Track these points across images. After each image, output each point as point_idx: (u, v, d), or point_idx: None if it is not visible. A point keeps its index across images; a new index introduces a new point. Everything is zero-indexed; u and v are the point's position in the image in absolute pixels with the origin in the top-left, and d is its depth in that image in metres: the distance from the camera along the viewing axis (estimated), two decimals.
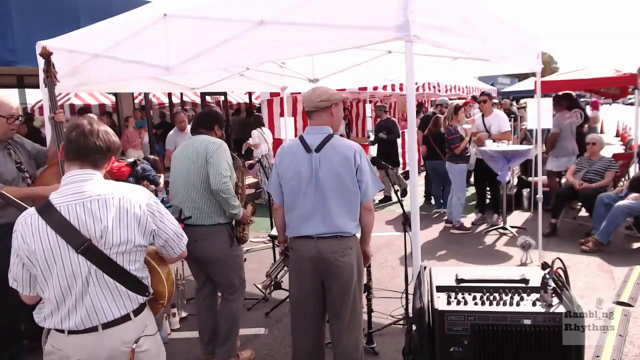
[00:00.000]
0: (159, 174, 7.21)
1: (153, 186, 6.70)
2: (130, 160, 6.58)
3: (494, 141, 6.66)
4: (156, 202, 1.98)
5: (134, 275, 1.89)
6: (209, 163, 3.16)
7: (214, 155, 3.17)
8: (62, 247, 1.78)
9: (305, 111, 2.81)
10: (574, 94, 7.95)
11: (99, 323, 1.83)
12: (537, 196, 4.95)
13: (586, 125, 7.96)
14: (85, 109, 10.09)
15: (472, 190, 7.85)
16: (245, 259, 3.62)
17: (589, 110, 14.23)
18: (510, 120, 7.20)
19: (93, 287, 1.82)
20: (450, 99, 11.13)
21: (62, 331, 1.84)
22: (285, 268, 3.78)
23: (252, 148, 8.62)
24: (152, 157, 7.72)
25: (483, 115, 6.99)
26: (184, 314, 4.33)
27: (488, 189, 7.59)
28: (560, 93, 8.10)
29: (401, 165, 10.35)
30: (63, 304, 1.82)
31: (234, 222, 3.40)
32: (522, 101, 13.16)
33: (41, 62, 3.40)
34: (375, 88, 9.53)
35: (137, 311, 1.91)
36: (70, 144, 1.89)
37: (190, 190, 3.22)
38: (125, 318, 1.87)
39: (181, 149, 3.37)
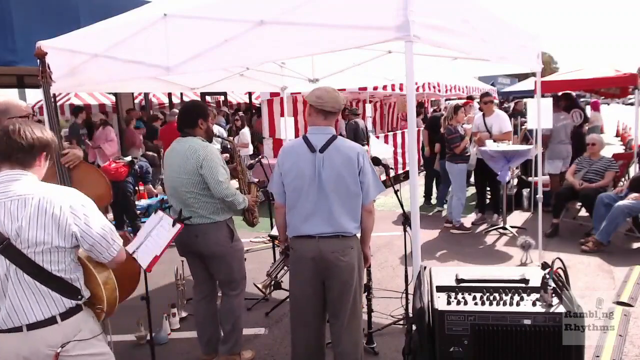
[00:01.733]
0: (160, 176, 7.19)
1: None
2: (128, 159, 6.56)
3: (494, 141, 6.66)
4: (83, 205, 1.93)
5: (57, 276, 1.87)
6: (203, 175, 3.14)
7: (204, 165, 3.13)
8: None
9: (323, 111, 2.73)
10: (574, 94, 7.94)
11: (22, 324, 1.83)
12: (537, 196, 4.95)
13: (586, 126, 7.95)
14: (81, 109, 10.04)
15: (472, 190, 7.85)
16: (245, 259, 3.61)
17: (589, 110, 14.23)
18: (511, 120, 7.21)
19: (12, 287, 1.82)
20: (449, 99, 11.13)
21: None
22: (286, 268, 3.78)
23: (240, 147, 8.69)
24: (150, 153, 7.69)
25: (484, 115, 6.99)
26: (184, 314, 4.33)
27: (488, 189, 7.59)
28: (560, 93, 8.10)
29: (401, 165, 10.38)
30: None
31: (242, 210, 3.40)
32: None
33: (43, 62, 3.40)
34: (375, 88, 9.53)
35: (66, 315, 1.89)
36: None
37: (184, 194, 3.21)
38: (51, 321, 1.86)
39: (171, 152, 3.34)
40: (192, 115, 3.30)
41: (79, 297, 1.93)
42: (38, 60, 3.34)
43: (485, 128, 6.88)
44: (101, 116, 11.90)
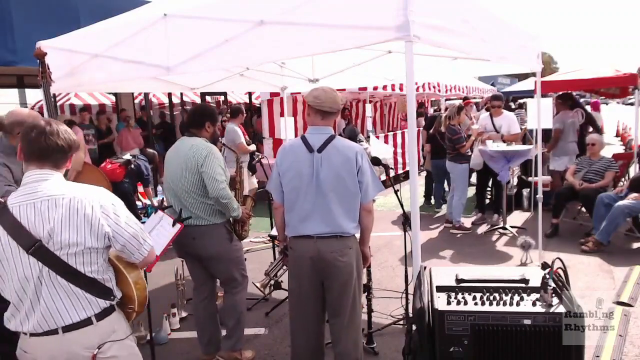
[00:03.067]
0: (159, 176, 7.15)
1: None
2: (125, 158, 6.50)
3: (504, 142, 6.65)
4: (114, 204, 1.91)
5: (90, 277, 1.85)
6: (203, 172, 3.13)
7: (205, 162, 3.14)
8: (13, 248, 1.77)
9: (320, 111, 2.73)
10: (574, 93, 7.95)
11: (58, 326, 1.81)
12: (537, 196, 4.95)
13: (590, 127, 7.95)
14: (86, 109, 10.04)
15: (472, 190, 7.86)
16: (245, 259, 3.62)
17: (588, 110, 14.21)
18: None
19: (46, 289, 1.80)
20: (449, 99, 11.14)
21: (25, 333, 1.83)
22: (285, 267, 3.78)
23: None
24: (151, 150, 7.62)
25: (492, 116, 6.98)
26: (184, 314, 4.33)
27: (489, 189, 7.60)
28: (559, 93, 8.11)
29: (401, 165, 10.38)
30: (21, 305, 1.81)
31: (232, 220, 3.39)
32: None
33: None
34: (375, 88, 9.53)
35: (101, 315, 1.88)
36: (29, 144, 1.85)
37: (183, 195, 3.21)
38: (87, 322, 1.84)
39: (173, 151, 3.34)
40: (201, 117, 3.34)
41: (112, 297, 1.92)
42: (38, 61, 3.35)
43: (493, 128, 6.88)
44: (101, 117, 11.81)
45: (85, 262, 1.84)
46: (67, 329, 1.82)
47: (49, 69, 3.37)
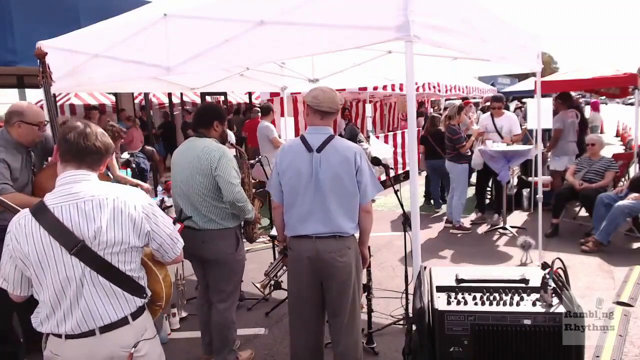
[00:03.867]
0: (159, 176, 7.15)
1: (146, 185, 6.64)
2: (124, 158, 6.50)
3: (507, 144, 6.66)
4: (151, 205, 1.96)
5: (129, 276, 1.87)
6: (217, 175, 3.07)
7: (219, 165, 3.08)
8: (55, 249, 1.77)
9: (319, 111, 2.72)
10: (573, 93, 7.96)
11: (96, 327, 1.81)
12: (537, 196, 4.95)
13: (588, 129, 7.98)
14: (94, 108, 9.95)
15: (472, 190, 7.86)
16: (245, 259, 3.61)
17: (588, 110, 14.22)
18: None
19: (88, 289, 1.80)
20: (449, 99, 11.14)
21: (59, 336, 1.82)
22: (284, 267, 3.78)
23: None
24: (149, 148, 7.63)
25: (493, 116, 6.98)
26: (184, 314, 4.33)
27: (488, 189, 7.60)
28: (559, 93, 8.11)
29: (401, 165, 10.38)
30: (58, 307, 1.80)
31: (242, 223, 3.36)
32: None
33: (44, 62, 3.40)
34: (375, 88, 9.54)
35: (136, 314, 1.89)
36: (68, 145, 1.87)
37: (196, 198, 3.14)
38: (124, 321, 1.85)
39: (181, 153, 3.27)
40: (208, 116, 3.26)
41: (144, 295, 1.94)
42: (38, 61, 3.35)
43: (494, 129, 6.89)
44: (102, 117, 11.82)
45: (126, 260, 1.86)
46: (104, 329, 1.82)
47: (49, 68, 3.37)
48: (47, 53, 3.36)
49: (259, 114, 7.95)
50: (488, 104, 8.67)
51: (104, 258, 1.81)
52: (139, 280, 1.92)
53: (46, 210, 1.79)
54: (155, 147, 11.01)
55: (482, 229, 6.77)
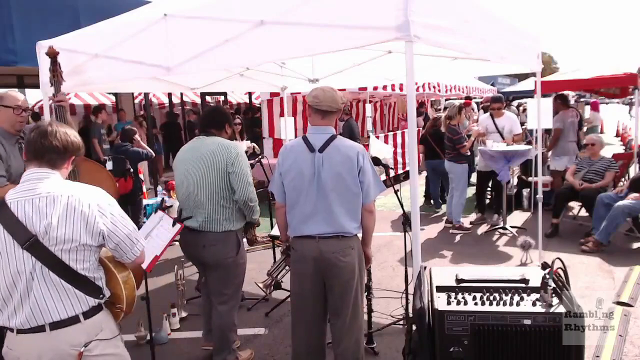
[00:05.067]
0: (159, 176, 7.11)
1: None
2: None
3: (507, 144, 6.67)
4: (110, 204, 1.96)
5: (82, 274, 1.87)
6: (232, 172, 3.07)
7: (235, 162, 3.07)
8: (8, 243, 1.80)
9: (320, 111, 2.73)
10: (572, 93, 7.96)
11: (45, 322, 1.82)
12: (537, 196, 4.94)
13: (585, 127, 8.00)
14: (100, 108, 9.91)
15: (472, 190, 7.86)
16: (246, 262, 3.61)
17: (588, 110, 14.22)
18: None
19: (38, 284, 1.82)
20: (449, 99, 11.14)
21: (11, 330, 1.85)
22: (287, 267, 3.78)
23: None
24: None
25: (493, 116, 6.98)
26: (184, 314, 4.33)
27: (489, 189, 7.60)
28: (557, 93, 8.12)
29: (401, 165, 10.39)
30: (10, 300, 1.83)
31: (243, 227, 3.35)
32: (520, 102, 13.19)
33: (47, 61, 3.39)
34: (375, 88, 9.53)
35: (89, 314, 1.90)
36: (29, 143, 1.93)
37: (202, 197, 3.11)
38: (74, 320, 1.86)
39: (191, 150, 3.24)
40: (221, 118, 3.30)
41: (101, 295, 1.94)
42: (49, 60, 3.35)
43: (495, 129, 6.89)
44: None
45: (79, 259, 1.87)
46: (54, 326, 1.84)
47: (60, 67, 3.38)
48: (59, 52, 3.36)
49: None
50: (488, 104, 8.67)
51: (55, 254, 1.82)
52: (96, 281, 1.92)
53: (4, 206, 1.83)
54: (156, 147, 11.02)
55: (482, 229, 6.78)
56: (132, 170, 6.37)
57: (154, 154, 6.75)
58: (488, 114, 7.19)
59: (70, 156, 1.99)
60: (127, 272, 2.08)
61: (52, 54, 3.33)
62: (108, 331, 1.97)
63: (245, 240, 3.51)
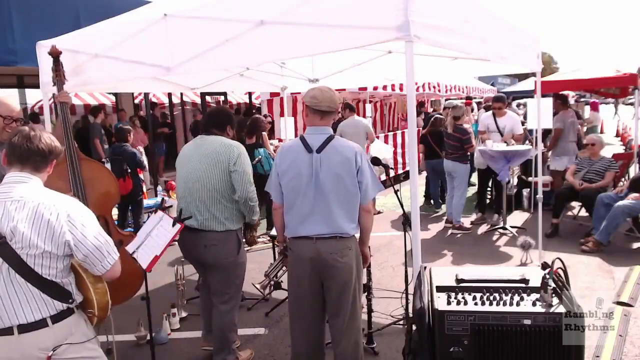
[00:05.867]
0: (159, 176, 7.10)
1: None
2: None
3: (507, 143, 6.68)
4: (82, 215, 1.95)
5: (48, 279, 1.88)
6: (234, 171, 3.07)
7: (237, 161, 3.08)
8: None
9: (318, 111, 2.72)
10: (572, 93, 7.97)
11: (13, 325, 1.83)
12: (537, 196, 4.95)
13: (585, 127, 8.01)
14: (99, 109, 9.89)
15: (472, 190, 7.86)
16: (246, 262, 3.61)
17: (588, 110, 14.21)
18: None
19: (4, 285, 1.83)
20: (449, 99, 11.14)
21: None
22: (284, 268, 3.78)
23: None
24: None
25: (495, 116, 6.98)
26: (184, 314, 4.33)
27: (489, 188, 7.60)
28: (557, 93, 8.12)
29: (401, 165, 10.39)
30: None
31: (242, 227, 3.36)
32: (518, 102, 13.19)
33: (49, 61, 3.40)
34: (375, 88, 9.55)
35: (57, 318, 1.90)
36: (12, 147, 1.95)
37: (204, 195, 3.12)
38: (42, 324, 1.86)
39: (194, 148, 3.24)
40: (224, 119, 3.31)
41: (70, 300, 1.94)
42: (52, 59, 3.35)
43: (496, 129, 6.89)
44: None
45: (44, 265, 1.88)
46: (22, 329, 1.84)
47: (62, 67, 3.38)
48: (61, 52, 3.36)
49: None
50: (489, 103, 8.68)
51: (21, 257, 1.83)
52: (65, 286, 1.93)
53: None
54: (157, 147, 11.03)
55: (482, 229, 6.78)
56: (129, 170, 6.37)
57: (146, 166, 6.71)
58: (490, 113, 7.19)
59: (52, 160, 2.03)
60: (98, 278, 2.06)
61: (55, 54, 3.34)
62: (79, 335, 1.96)
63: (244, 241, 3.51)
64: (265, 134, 6.83)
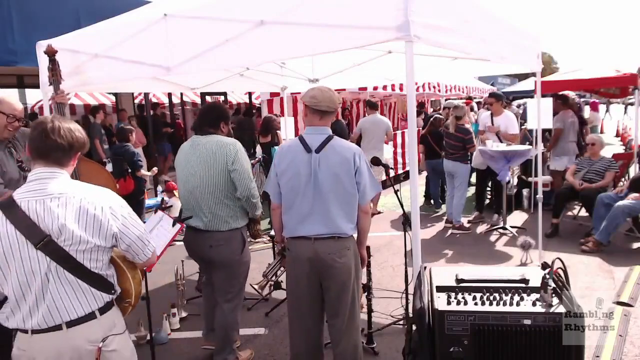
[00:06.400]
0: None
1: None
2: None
3: (500, 141, 6.67)
4: (122, 206, 1.96)
5: (96, 273, 1.88)
6: (234, 170, 3.08)
7: (235, 160, 3.08)
8: (21, 243, 1.78)
9: (318, 111, 2.72)
10: (573, 93, 7.96)
11: (63, 321, 1.81)
12: (537, 196, 4.95)
13: (588, 127, 8.00)
14: (98, 108, 9.89)
15: (472, 190, 7.86)
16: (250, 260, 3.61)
17: (587, 110, 14.20)
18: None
19: (54, 284, 1.81)
20: (449, 99, 11.13)
21: (25, 331, 1.82)
22: (282, 268, 3.78)
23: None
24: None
25: (492, 115, 6.98)
26: (184, 314, 4.33)
27: (488, 188, 7.60)
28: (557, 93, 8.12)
29: (401, 165, 10.38)
30: (23, 301, 1.81)
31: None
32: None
33: (45, 60, 3.39)
34: (375, 88, 9.54)
35: (103, 309, 1.90)
36: (32, 142, 1.89)
37: (206, 196, 3.13)
38: (91, 316, 1.86)
39: (188, 151, 3.24)
40: (216, 116, 3.27)
41: (113, 291, 1.95)
42: (48, 59, 3.35)
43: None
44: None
45: (92, 258, 1.87)
46: (71, 324, 1.83)
47: (59, 67, 3.37)
48: (57, 51, 3.35)
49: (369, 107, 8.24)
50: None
51: (70, 254, 1.81)
52: (108, 278, 1.93)
53: (14, 205, 1.80)
54: (158, 147, 11.02)
55: (482, 228, 6.78)
56: (129, 170, 6.37)
57: (142, 166, 6.69)
58: (489, 112, 7.20)
59: (75, 153, 1.96)
60: (136, 269, 2.10)
61: (51, 53, 3.33)
62: (120, 326, 1.98)
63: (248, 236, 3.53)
64: (280, 132, 6.86)
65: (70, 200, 1.82)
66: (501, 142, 6.66)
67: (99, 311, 1.88)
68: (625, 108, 25.19)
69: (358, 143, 8.14)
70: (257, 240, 3.85)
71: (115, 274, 1.99)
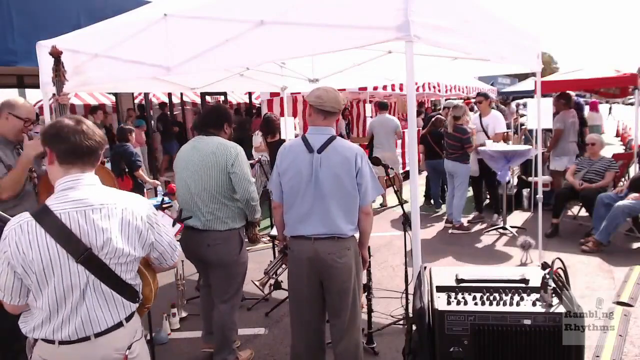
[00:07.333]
0: (159, 175, 7.09)
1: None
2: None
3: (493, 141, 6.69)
4: (155, 214, 1.95)
5: (129, 283, 1.87)
6: (233, 173, 3.09)
7: (235, 163, 3.09)
8: (61, 256, 1.71)
9: (322, 111, 2.72)
10: (573, 93, 7.96)
11: (94, 332, 1.78)
12: (537, 196, 4.94)
13: (587, 128, 8.00)
14: (97, 108, 9.89)
15: (471, 190, 7.85)
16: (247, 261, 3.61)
17: (587, 110, 14.17)
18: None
19: (90, 297, 1.77)
20: (449, 99, 11.13)
21: (51, 342, 1.77)
22: (284, 266, 3.78)
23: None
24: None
25: (480, 115, 7.00)
26: (184, 314, 4.33)
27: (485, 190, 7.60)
28: (559, 93, 8.12)
29: (401, 165, 10.39)
30: (56, 313, 1.76)
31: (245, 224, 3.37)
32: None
33: (50, 61, 3.39)
34: (375, 88, 9.53)
35: (129, 318, 1.89)
36: (70, 145, 1.77)
37: (205, 196, 3.14)
38: (119, 325, 1.85)
39: (189, 151, 3.25)
40: (219, 117, 3.29)
41: (137, 299, 1.93)
42: (52, 59, 3.35)
43: (481, 128, 6.91)
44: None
45: (128, 270, 1.86)
46: (99, 334, 1.80)
47: (63, 67, 3.37)
48: (62, 52, 3.35)
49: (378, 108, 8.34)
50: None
51: (110, 267, 1.79)
52: (136, 287, 1.92)
53: (52, 216, 1.71)
54: (166, 146, 11.02)
55: (482, 228, 6.77)
56: (127, 170, 6.36)
57: (139, 166, 6.69)
58: (478, 112, 7.23)
59: (102, 153, 1.90)
60: (154, 274, 2.10)
61: (56, 54, 3.33)
62: (140, 331, 1.97)
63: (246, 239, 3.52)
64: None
65: (112, 212, 1.78)
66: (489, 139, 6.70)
67: (126, 320, 1.87)
68: (610, 109, 25.32)
69: (370, 143, 8.19)
70: (254, 244, 3.86)
71: (140, 283, 1.97)
